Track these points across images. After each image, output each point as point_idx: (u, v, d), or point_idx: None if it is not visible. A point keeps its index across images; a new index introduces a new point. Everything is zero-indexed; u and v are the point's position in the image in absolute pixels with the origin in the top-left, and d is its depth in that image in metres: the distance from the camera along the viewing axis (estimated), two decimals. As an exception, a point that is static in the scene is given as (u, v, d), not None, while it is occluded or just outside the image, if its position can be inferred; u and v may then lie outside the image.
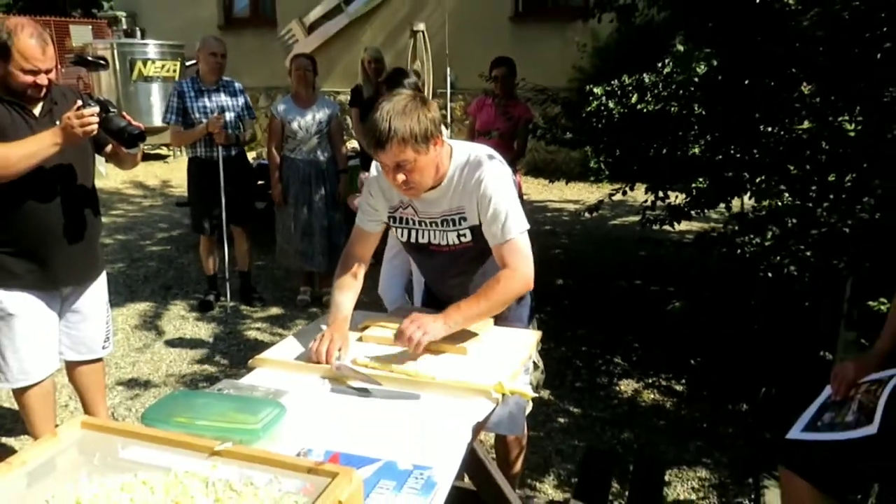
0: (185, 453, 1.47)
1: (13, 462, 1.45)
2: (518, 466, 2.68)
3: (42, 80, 2.67)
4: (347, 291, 2.32)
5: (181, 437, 1.50)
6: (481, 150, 2.25)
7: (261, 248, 6.60)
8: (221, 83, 5.01)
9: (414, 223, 2.31)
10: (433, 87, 8.76)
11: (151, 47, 10.39)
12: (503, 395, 1.96)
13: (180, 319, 5.15)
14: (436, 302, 2.45)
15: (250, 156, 6.51)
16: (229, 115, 4.92)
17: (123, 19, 10.80)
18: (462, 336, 2.19)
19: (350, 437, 1.72)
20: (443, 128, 2.25)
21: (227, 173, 4.94)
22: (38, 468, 1.47)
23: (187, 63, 10.36)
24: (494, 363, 2.09)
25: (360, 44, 11.11)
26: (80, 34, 11.50)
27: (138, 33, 10.55)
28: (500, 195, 2.16)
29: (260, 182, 6.92)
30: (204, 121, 4.84)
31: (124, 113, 2.82)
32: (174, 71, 10.49)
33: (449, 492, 2.18)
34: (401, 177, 2.08)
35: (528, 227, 2.21)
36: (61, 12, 13.79)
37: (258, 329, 4.95)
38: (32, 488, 1.43)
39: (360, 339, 2.27)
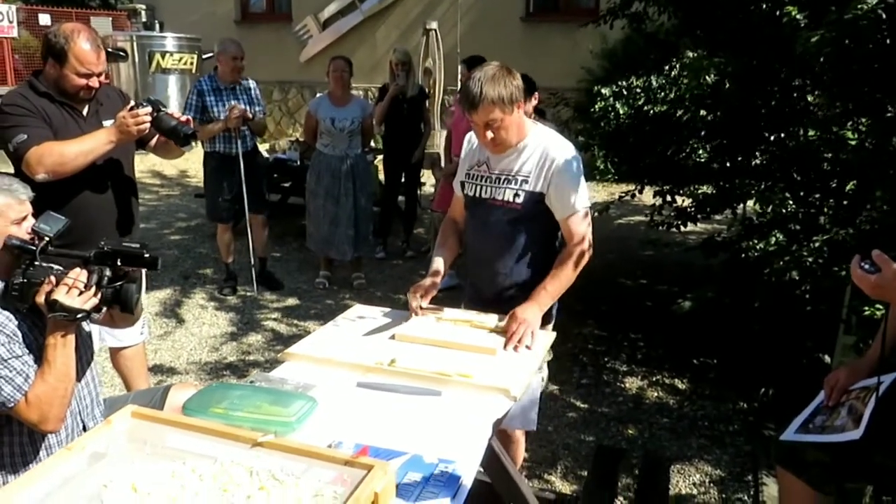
0: (229, 443, 1.61)
1: (73, 447, 1.60)
2: (520, 459, 2.84)
3: (94, 83, 2.82)
4: (442, 249, 2.76)
5: (226, 429, 1.65)
6: (559, 136, 2.61)
7: (275, 240, 6.76)
8: (238, 81, 5.25)
9: (483, 179, 2.60)
10: (444, 85, 8.86)
11: (170, 40, 10.52)
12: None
13: (199, 308, 5.31)
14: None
15: (262, 148, 6.71)
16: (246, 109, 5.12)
17: (143, 12, 10.93)
18: (491, 337, 2.39)
19: (377, 431, 1.85)
20: None
21: (245, 167, 5.19)
22: (95, 453, 1.62)
23: (204, 56, 10.49)
24: (514, 363, 2.25)
25: (374, 40, 11.25)
26: (101, 26, 11.64)
27: (157, 26, 10.69)
28: (569, 173, 2.48)
29: (274, 175, 7.12)
30: (221, 117, 5.06)
31: (171, 111, 2.96)
32: (191, 64, 10.62)
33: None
34: (489, 134, 2.42)
35: (590, 204, 2.57)
36: (81, 3, 13.93)
37: (275, 319, 5.10)
38: (91, 471, 1.57)
39: (392, 338, 2.42)
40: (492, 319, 2.50)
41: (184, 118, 2.95)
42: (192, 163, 10.60)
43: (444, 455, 1.75)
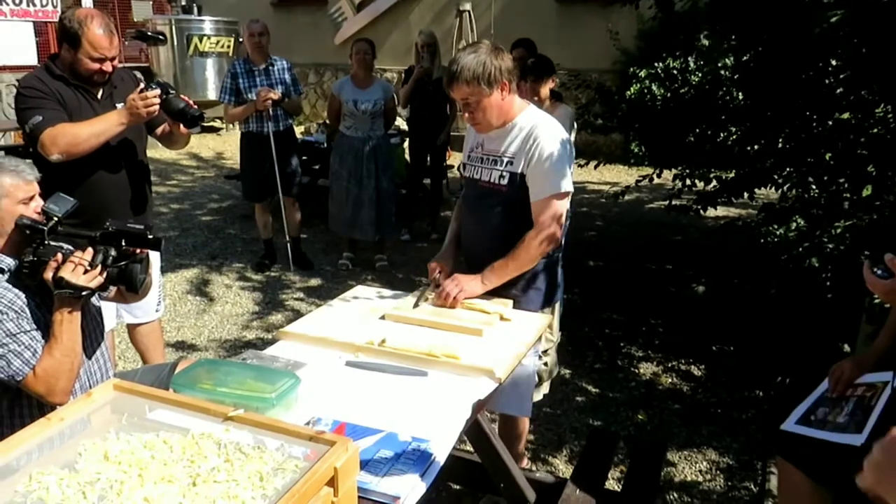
0: (204, 417, 1.65)
1: (52, 418, 1.65)
2: (522, 443, 2.83)
3: (107, 67, 2.90)
4: (457, 223, 2.77)
5: (200, 403, 1.68)
6: (551, 119, 2.55)
7: (303, 221, 6.83)
8: (270, 62, 5.29)
9: (478, 161, 2.60)
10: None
11: (207, 23, 10.67)
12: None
13: (224, 288, 5.41)
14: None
15: (297, 131, 6.77)
16: (277, 91, 5.18)
17: (182, -5, 11.14)
18: (480, 317, 2.39)
19: (358, 409, 1.87)
20: None
21: (276, 147, 5.28)
22: (75, 424, 1.67)
23: (241, 39, 10.61)
24: (502, 345, 2.23)
25: (408, 23, 11.23)
26: (141, 9, 11.90)
27: (195, 10, 10.83)
28: (550, 157, 2.41)
29: (304, 157, 7.17)
30: (253, 98, 5.15)
31: (182, 95, 3.02)
32: (228, 47, 10.76)
33: (457, 462, 2.33)
34: (467, 113, 2.42)
35: (569, 190, 2.48)
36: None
37: (298, 299, 5.17)
38: (69, 441, 1.62)
39: (382, 318, 2.43)
40: (485, 302, 2.48)
41: (193, 103, 3.01)
42: (228, 144, 10.78)
43: (420, 434, 1.76)
